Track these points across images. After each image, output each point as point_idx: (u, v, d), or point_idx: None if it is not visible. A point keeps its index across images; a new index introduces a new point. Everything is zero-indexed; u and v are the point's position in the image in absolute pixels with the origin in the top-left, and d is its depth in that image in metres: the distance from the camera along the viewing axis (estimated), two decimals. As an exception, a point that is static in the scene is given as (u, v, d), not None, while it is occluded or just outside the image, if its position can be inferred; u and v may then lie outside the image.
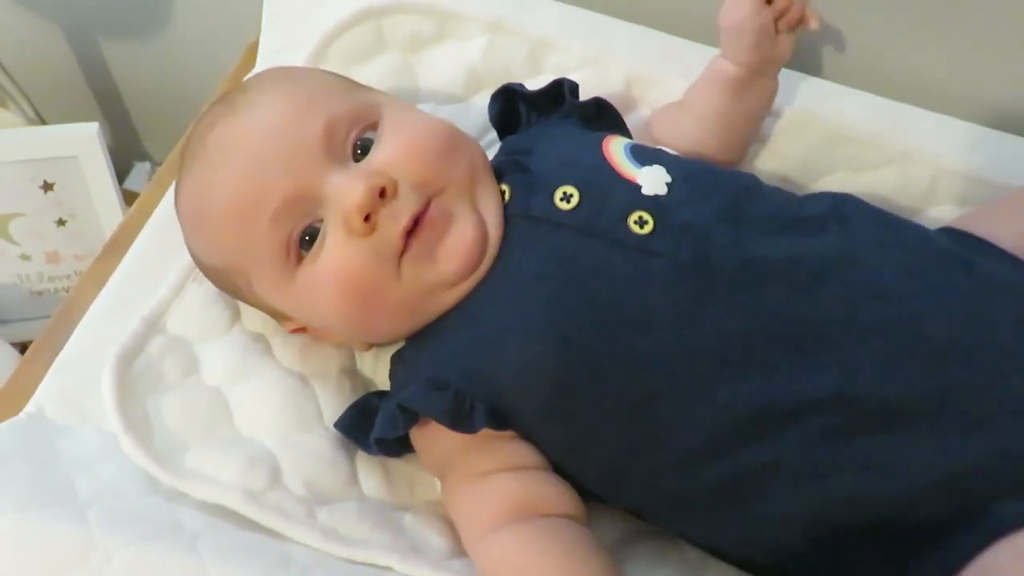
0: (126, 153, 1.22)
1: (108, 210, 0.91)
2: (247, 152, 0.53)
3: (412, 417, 0.53)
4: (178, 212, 0.59)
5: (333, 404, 0.60)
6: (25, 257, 0.97)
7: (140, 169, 1.21)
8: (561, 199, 0.54)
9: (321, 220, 0.53)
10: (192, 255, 0.60)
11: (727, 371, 0.51)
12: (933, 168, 0.72)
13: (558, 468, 0.56)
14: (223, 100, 0.57)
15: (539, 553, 0.51)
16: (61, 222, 0.94)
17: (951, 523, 0.50)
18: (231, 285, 0.59)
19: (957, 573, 0.50)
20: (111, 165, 0.90)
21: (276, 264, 0.54)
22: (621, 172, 0.55)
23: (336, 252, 0.52)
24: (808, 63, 0.78)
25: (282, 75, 0.59)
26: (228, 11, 0.95)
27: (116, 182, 0.91)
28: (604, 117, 0.65)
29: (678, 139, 0.68)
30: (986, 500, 0.50)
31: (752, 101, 0.68)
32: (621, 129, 0.65)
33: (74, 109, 1.13)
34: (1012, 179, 0.70)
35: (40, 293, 1.00)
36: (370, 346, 0.62)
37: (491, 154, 0.62)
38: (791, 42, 0.66)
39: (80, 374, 0.60)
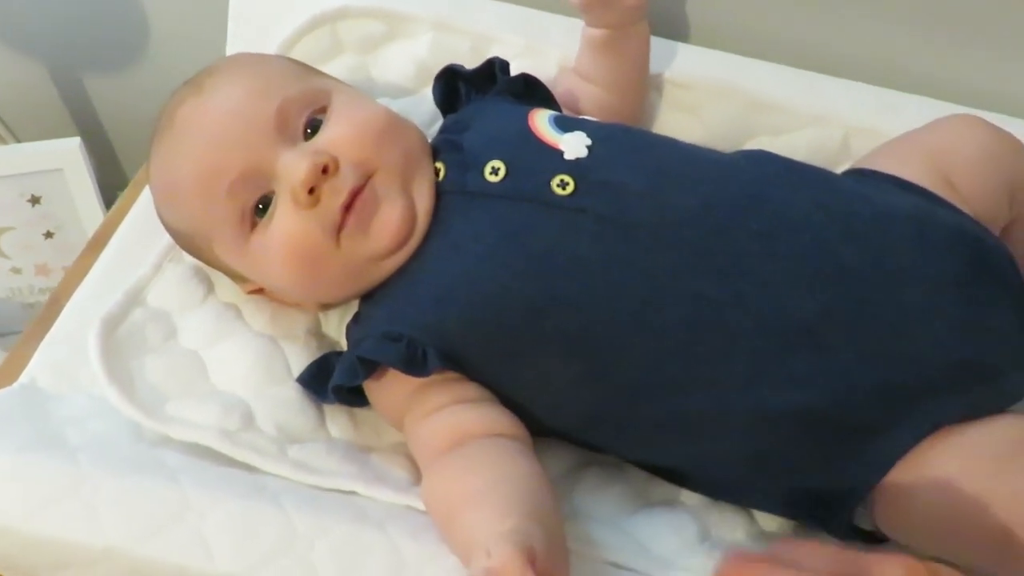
0: (111, 183, 1.28)
1: (93, 220, 0.95)
2: (208, 130, 0.59)
3: (370, 367, 0.58)
4: (151, 182, 0.64)
5: (301, 362, 0.65)
6: (16, 271, 1.00)
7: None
8: (490, 173, 0.59)
9: (273, 192, 0.58)
10: (162, 221, 0.65)
11: (656, 305, 0.56)
12: (844, 128, 0.78)
13: (511, 407, 0.59)
14: (192, 81, 0.63)
15: (465, 472, 0.54)
16: (49, 234, 0.98)
17: (885, 424, 0.55)
18: (196, 248, 0.64)
19: (892, 468, 0.55)
20: (94, 177, 0.95)
21: (232, 231, 0.59)
22: (545, 140, 0.61)
23: (284, 221, 0.58)
24: (720, 38, 0.84)
25: (244, 61, 0.65)
26: (198, 38, 1.00)
27: (99, 193, 0.96)
28: (533, 92, 0.70)
29: (584, 90, 0.73)
30: (916, 400, 0.55)
31: (629, 47, 0.72)
32: (549, 102, 0.70)
33: (61, 142, 1.18)
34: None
35: (31, 305, 1.03)
36: (322, 307, 0.67)
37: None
38: None
39: (69, 348, 0.64)
